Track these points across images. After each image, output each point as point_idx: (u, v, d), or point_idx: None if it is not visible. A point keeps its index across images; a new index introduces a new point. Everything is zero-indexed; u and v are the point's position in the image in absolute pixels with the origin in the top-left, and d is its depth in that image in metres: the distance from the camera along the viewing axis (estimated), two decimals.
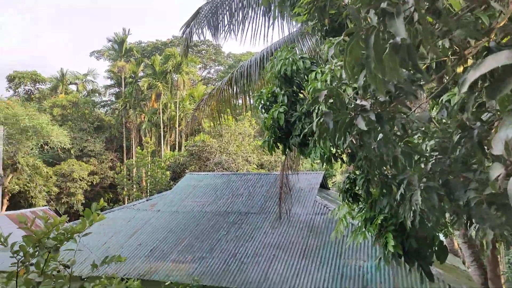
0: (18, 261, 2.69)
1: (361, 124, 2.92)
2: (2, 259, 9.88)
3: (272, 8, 9.16)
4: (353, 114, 3.06)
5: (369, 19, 2.25)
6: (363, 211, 5.13)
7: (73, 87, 51.30)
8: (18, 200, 31.93)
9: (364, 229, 5.19)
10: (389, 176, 4.02)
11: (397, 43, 2.19)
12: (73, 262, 2.93)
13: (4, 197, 28.50)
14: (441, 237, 10.12)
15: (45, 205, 30.01)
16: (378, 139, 3.10)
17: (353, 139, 3.37)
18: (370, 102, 3.12)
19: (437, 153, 3.04)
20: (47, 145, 32.68)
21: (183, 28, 10.60)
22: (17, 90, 50.19)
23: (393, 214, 4.49)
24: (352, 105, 3.19)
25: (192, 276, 10.05)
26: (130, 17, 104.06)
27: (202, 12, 10.17)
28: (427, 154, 3.11)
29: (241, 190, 15.01)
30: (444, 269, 9.24)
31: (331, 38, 4.74)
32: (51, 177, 33.61)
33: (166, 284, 9.82)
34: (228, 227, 12.48)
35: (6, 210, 27.53)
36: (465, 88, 1.61)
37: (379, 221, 4.70)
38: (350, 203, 5.73)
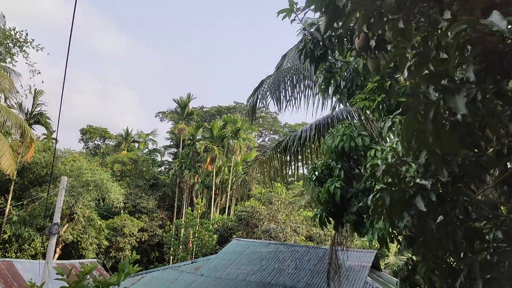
0: None
1: (420, 204, 2.77)
2: None
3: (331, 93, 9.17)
4: (411, 192, 2.91)
5: (428, 94, 2.22)
6: None
7: (135, 145, 54.28)
8: (70, 250, 32.84)
9: None
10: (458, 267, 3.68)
11: (457, 120, 2.12)
12: None
13: (58, 246, 29.46)
14: None
15: (94, 257, 30.55)
16: (438, 221, 2.90)
17: (412, 220, 3.17)
18: (430, 181, 2.97)
19: (505, 244, 2.78)
20: (104, 201, 33.98)
21: (250, 98, 10.91)
22: (87, 144, 54.01)
23: None
24: (411, 184, 3.04)
25: None
26: (195, 81, 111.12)
27: (265, 85, 10.47)
28: (494, 244, 2.84)
29: (287, 262, 14.47)
30: None
31: (390, 116, 4.70)
32: (103, 230, 34.50)
33: None
34: None
35: (58, 259, 28.32)
36: None
37: None
38: None
